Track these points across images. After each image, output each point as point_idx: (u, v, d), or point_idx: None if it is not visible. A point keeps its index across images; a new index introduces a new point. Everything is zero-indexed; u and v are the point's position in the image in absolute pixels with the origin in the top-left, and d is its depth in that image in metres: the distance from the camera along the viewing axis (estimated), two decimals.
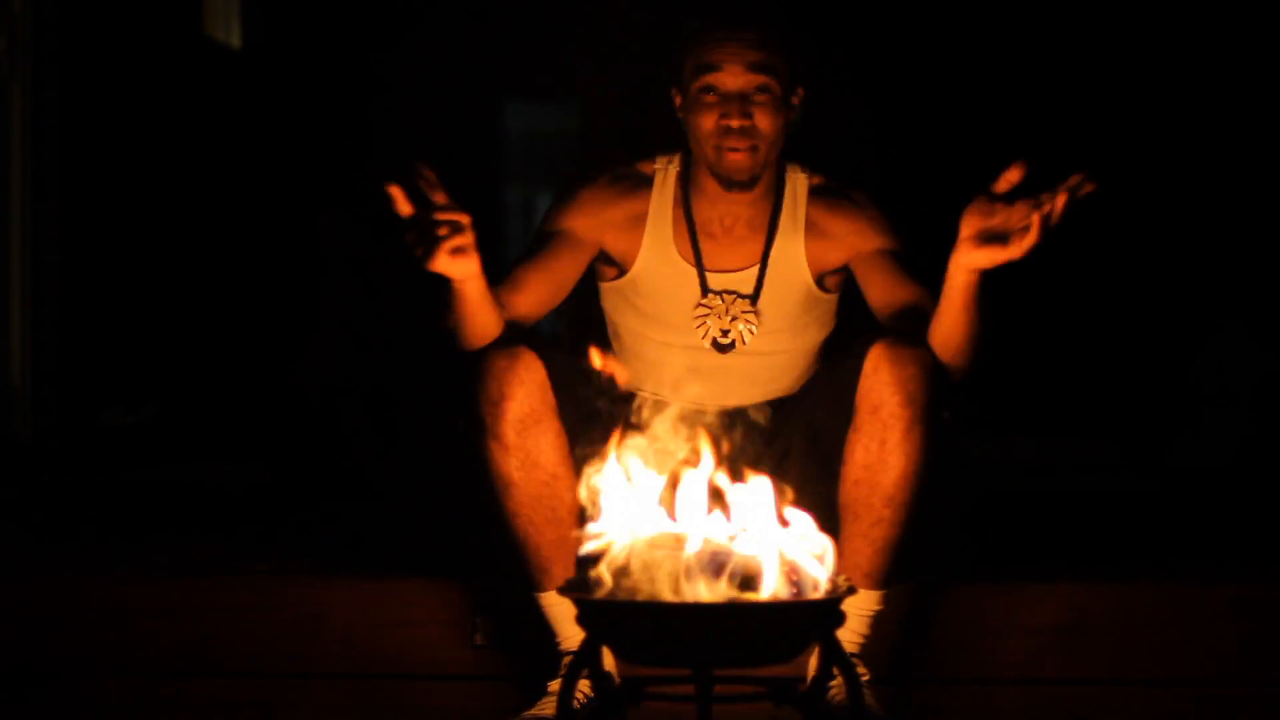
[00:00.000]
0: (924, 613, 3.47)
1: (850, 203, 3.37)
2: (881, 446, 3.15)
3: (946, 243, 3.09)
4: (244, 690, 3.50)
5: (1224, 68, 6.55)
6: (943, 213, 3.25)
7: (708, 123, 3.24)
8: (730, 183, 3.27)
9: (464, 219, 2.99)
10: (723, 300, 3.33)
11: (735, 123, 3.22)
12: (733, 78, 3.23)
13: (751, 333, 3.33)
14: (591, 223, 3.35)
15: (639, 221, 3.36)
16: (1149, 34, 6.74)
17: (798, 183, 3.37)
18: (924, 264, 3.32)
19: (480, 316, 3.17)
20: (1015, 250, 2.98)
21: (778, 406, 3.37)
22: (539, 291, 3.30)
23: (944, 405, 3.18)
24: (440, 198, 2.98)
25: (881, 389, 3.13)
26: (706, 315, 3.33)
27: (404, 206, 2.97)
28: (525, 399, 3.14)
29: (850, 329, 3.40)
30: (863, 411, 3.16)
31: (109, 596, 3.55)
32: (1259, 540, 4.40)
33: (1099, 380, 6.67)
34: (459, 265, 3.03)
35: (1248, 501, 5.21)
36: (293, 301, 7.05)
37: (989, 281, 3.10)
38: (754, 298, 3.34)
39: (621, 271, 3.37)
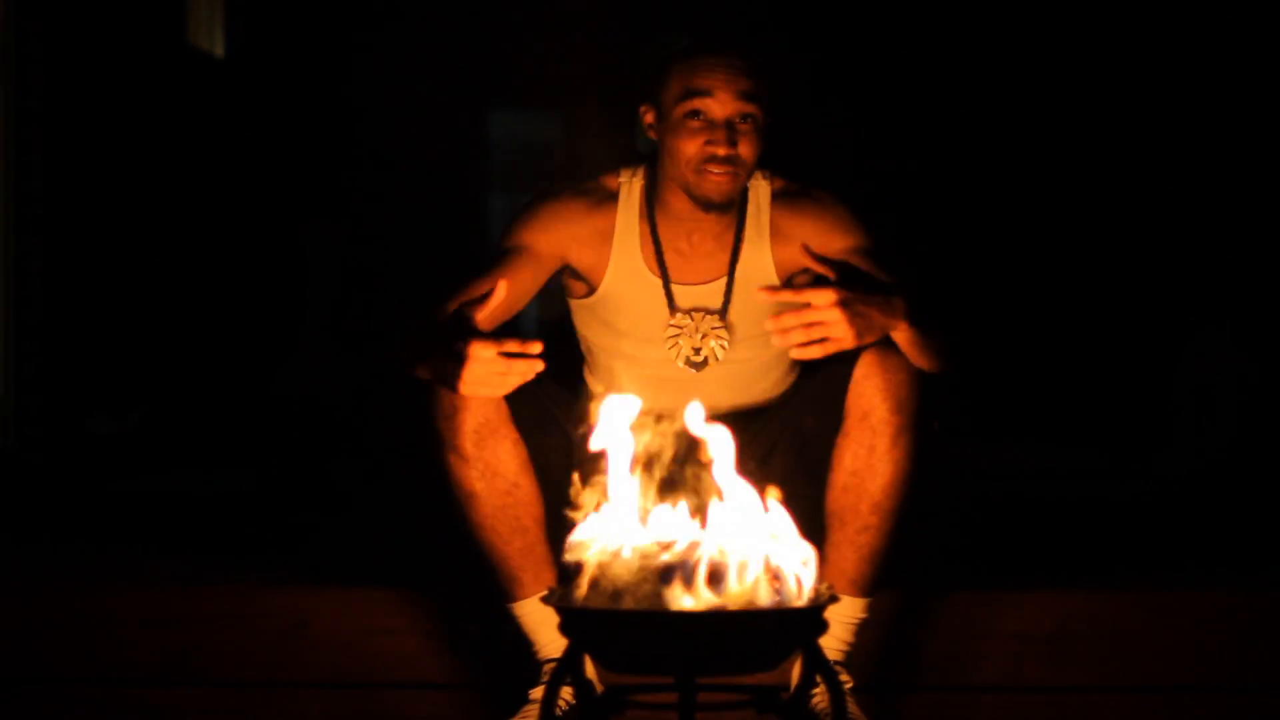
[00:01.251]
0: (908, 620, 3.47)
1: (813, 203, 3.34)
2: (870, 453, 3.15)
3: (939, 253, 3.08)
4: (226, 699, 3.50)
5: (1210, 76, 6.56)
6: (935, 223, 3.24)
7: (691, 147, 3.21)
8: (709, 205, 3.26)
9: (540, 366, 2.95)
10: (692, 319, 3.32)
11: (722, 151, 3.20)
12: (721, 105, 3.20)
13: (724, 348, 3.32)
14: (553, 238, 3.32)
15: (606, 237, 3.33)
16: (1137, 41, 6.75)
17: (760, 189, 3.35)
18: (896, 253, 3.30)
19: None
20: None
21: (758, 411, 3.36)
22: (499, 313, 3.25)
23: (934, 414, 3.18)
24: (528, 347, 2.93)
25: (872, 395, 3.13)
26: (678, 334, 3.32)
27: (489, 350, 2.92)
28: (479, 409, 3.13)
29: None
30: (852, 418, 3.16)
31: (92, 604, 3.54)
32: (1243, 547, 4.40)
33: (1083, 386, 6.69)
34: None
35: (1232, 508, 5.22)
36: (277, 310, 7.05)
37: (933, 311, 3.08)
38: (722, 312, 3.32)
39: (591, 289, 3.35)
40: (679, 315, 3.32)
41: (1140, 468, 5.91)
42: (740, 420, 3.25)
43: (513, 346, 2.91)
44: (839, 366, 3.18)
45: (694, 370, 3.32)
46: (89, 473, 5.82)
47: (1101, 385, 6.64)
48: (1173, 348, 6.12)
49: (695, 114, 3.21)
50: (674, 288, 3.33)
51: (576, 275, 3.37)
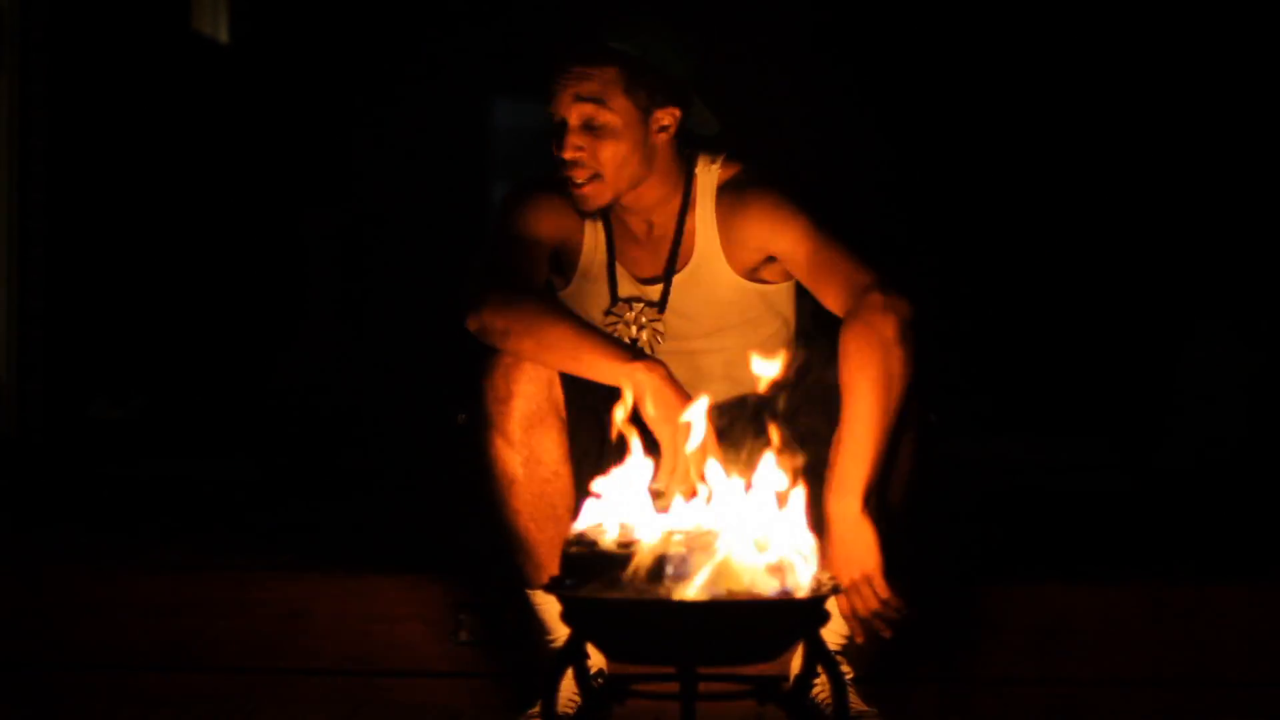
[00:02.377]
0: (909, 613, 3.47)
1: (748, 203, 3.25)
2: None
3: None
4: (226, 685, 3.50)
5: (1211, 70, 6.56)
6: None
7: (555, 157, 3.20)
8: (583, 214, 3.24)
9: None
10: (632, 308, 3.29)
11: (565, 154, 3.16)
12: (562, 108, 3.17)
13: (659, 340, 3.27)
14: (550, 225, 3.30)
15: (578, 231, 3.32)
16: (1138, 35, 6.75)
17: (707, 176, 3.28)
18: (844, 235, 3.22)
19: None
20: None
21: (742, 403, 3.32)
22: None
23: (929, 408, 3.17)
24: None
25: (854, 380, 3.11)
26: (615, 324, 3.29)
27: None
28: (533, 396, 3.13)
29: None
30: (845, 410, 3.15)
31: (93, 590, 3.55)
32: (1244, 540, 4.40)
33: (1085, 379, 6.69)
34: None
35: (1233, 501, 5.21)
36: (279, 297, 7.05)
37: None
38: (660, 305, 3.29)
39: (567, 281, 3.34)
40: (619, 305, 3.29)
41: (1142, 461, 5.91)
42: (737, 408, 3.25)
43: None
44: (829, 363, 3.17)
45: None
46: (90, 459, 5.82)
47: (1103, 378, 6.64)
48: (1175, 340, 6.12)
49: (550, 118, 3.19)
50: (621, 279, 3.30)
51: (558, 267, 3.35)
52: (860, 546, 3.01)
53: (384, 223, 7.66)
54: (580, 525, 2.59)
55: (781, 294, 3.33)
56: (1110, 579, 3.60)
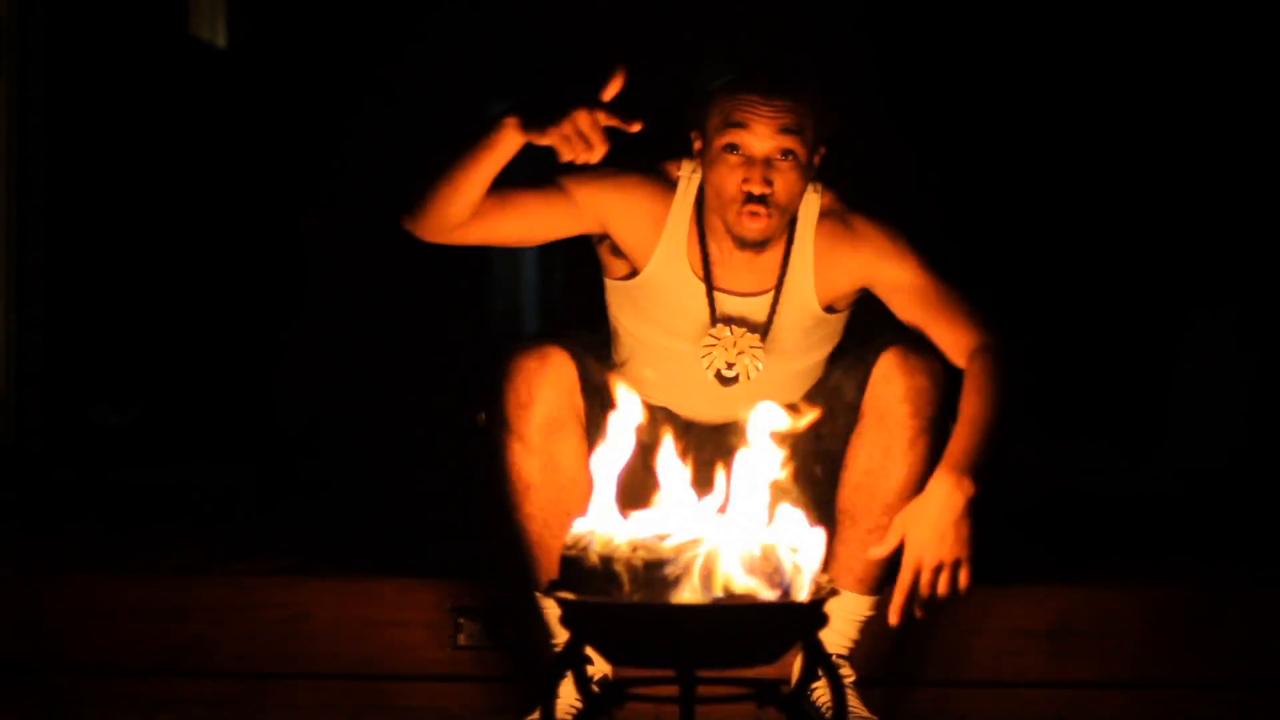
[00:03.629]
0: (908, 615, 3.46)
1: (856, 232, 3.27)
2: (885, 455, 3.15)
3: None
4: (227, 690, 3.50)
5: (1211, 66, 6.56)
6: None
7: (728, 183, 3.15)
8: (743, 244, 3.20)
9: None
10: (732, 333, 3.25)
11: (758, 189, 3.13)
12: (760, 141, 3.14)
13: (758, 369, 3.25)
14: (602, 201, 3.26)
15: (658, 223, 3.27)
16: (1134, 31, 6.75)
17: (810, 205, 3.28)
18: (954, 278, 3.26)
19: (472, 195, 3.13)
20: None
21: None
22: (498, 219, 3.20)
23: (950, 418, 3.16)
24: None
25: (890, 398, 3.13)
26: (714, 346, 3.25)
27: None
28: (554, 402, 3.13)
29: (858, 327, 3.37)
30: (869, 418, 3.16)
31: (93, 595, 3.54)
32: (1244, 542, 4.40)
33: (1088, 380, 6.68)
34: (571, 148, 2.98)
35: (1234, 503, 5.22)
36: (278, 302, 7.05)
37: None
38: (764, 332, 3.27)
39: (633, 271, 3.30)
40: (719, 326, 3.26)
41: (1144, 463, 5.91)
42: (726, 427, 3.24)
43: (611, 121, 2.92)
44: (858, 365, 3.18)
45: (721, 384, 3.26)
46: (89, 465, 5.82)
47: (1104, 379, 6.63)
48: (1175, 341, 6.12)
49: (733, 148, 3.15)
50: (716, 295, 3.27)
51: (618, 252, 3.31)
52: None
53: (383, 227, 7.64)
54: (580, 529, 2.59)
55: (839, 323, 3.34)
56: (1110, 579, 3.60)
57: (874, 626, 3.29)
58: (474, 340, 7.44)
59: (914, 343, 3.16)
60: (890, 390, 3.14)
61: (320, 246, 7.29)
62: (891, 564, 3.18)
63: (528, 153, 3.10)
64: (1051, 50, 6.91)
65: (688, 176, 3.28)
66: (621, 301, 3.33)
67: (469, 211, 3.13)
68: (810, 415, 2.74)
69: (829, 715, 3.11)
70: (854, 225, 3.27)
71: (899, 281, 3.24)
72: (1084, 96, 6.84)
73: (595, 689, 2.71)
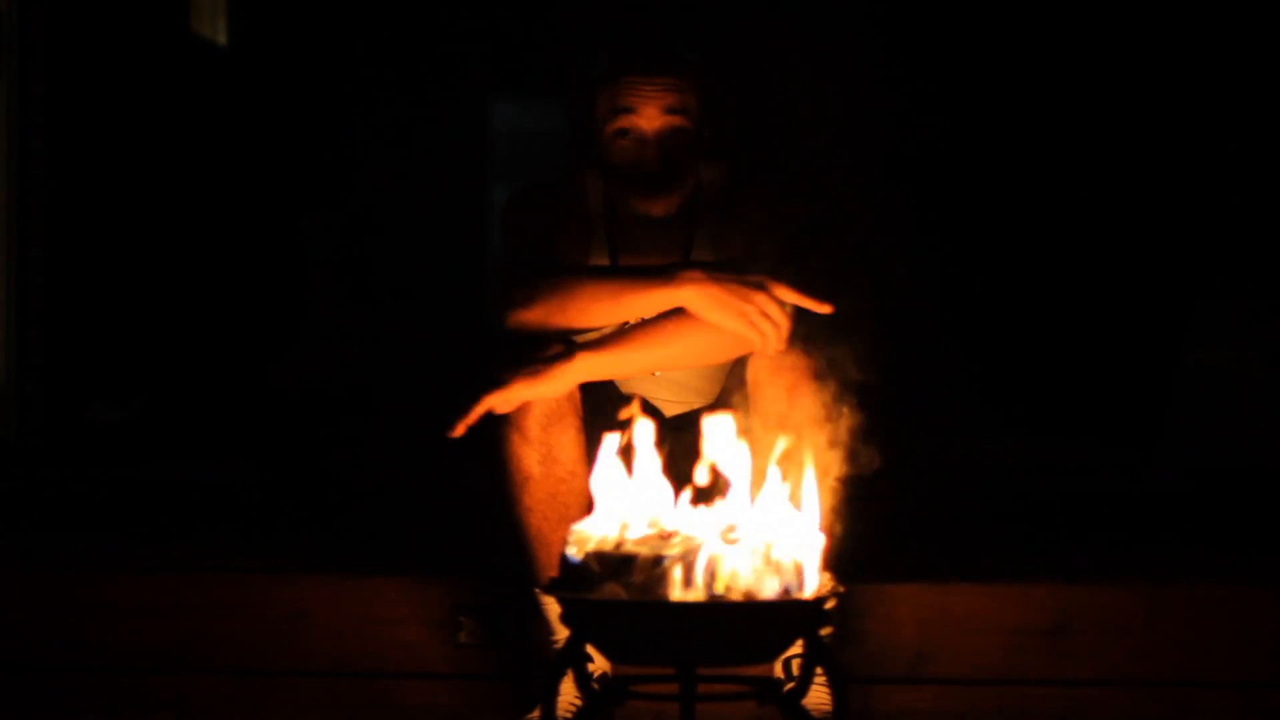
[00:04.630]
0: (907, 612, 3.47)
1: (747, 203, 3.30)
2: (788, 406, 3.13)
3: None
4: (226, 687, 3.50)
5: (1210, 65, 6.56)
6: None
7: (623, 165, 3.23)
8: (649, 221, 3.25)
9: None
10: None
11: (654, 168, 3.20)
12: (648, 121, 3.21)
13: None
14: (542, 231, 3.30)
15: (584, 231, 3.33)
16: (1128, 28, 6.75)
17: (706, 178, 3.34)
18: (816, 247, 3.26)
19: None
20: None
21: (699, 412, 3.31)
22: None
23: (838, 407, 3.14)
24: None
25: (764, 402, 3.12)
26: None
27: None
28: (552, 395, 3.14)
29: None
30: (751, 386, 3.14)
31: (92, 592, 3.55)
32: (1243, 541, 4.40)
33: (1086, 380, 6.69)
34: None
35: (1233, 502, 5.21)
36: (278, 299, 7.05)
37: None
38: None
39: None
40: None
41: (1142, 462, 5.91)
42: (684, 421, 3.25)
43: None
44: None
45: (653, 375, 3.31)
46: (89, 461, 5.82)
47: (1103, 378, 6.64)
48: (1174, 340, 6.12)
49: (624, 132, 3.22)
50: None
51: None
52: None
53: (383, 225, 7.66)
54: (581, 526, 2.60)
55: None
56: (1110, 579, 3.60)
57: (871, 623, 3.30)
58: (474, 338, 7.44)
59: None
60: (763, 397, 3.12)
61: (321, 244, 7.29)
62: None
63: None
64: (1052, 45, 6.91)
65: (594, 181, 3.36)
66: None
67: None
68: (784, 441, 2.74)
69: (829, 713, 3.11)
70: (747, 196, 3.32)
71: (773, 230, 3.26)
72: (1086, 91, 6.84)
73: (595, 687, 2.71)
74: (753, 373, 3.12)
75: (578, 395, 3.16)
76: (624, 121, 3.22)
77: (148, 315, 6.60)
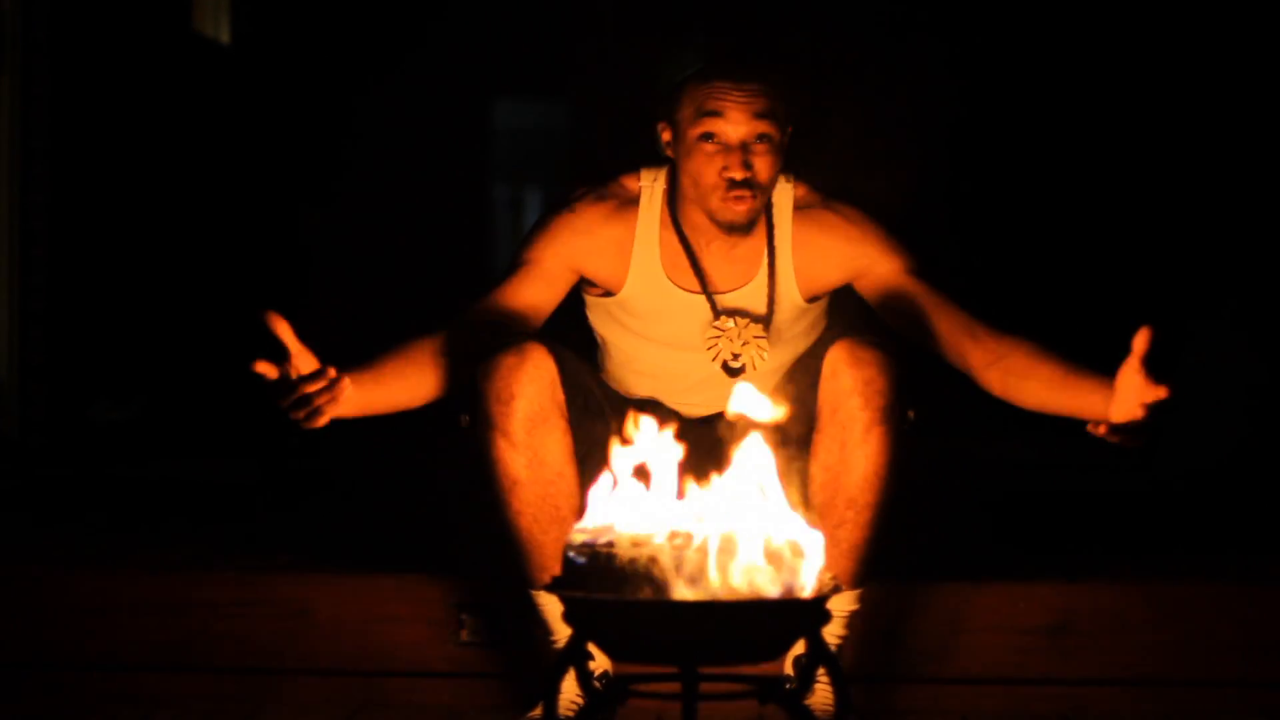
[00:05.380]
0: (910, 612, 3.47)
1: (836, 215, 3.32)
2: (842, 448, 3.14)
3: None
4: (228, 685, 3.50)
5: (1212, 67, 6.56)
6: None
7: (707, 171, 3.19)
8: (730, 228, 3.23)
9: (331, 373, 2.99)
10: (735, 324, 3.28)
11: (739, 175, 3.17)
12: (735, 127, 3.17)
13: (763, 358, 3.28)
14: (565, 252, 3.29)
15: (624, 246, 3.30)
16: (1145, 29, 6.74)
17: (783, 195, 3.32)
18: (929, 261, 3.29)
19: (400, 399, 3.19)
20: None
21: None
22: (506, 321, 3.26)
23: (908, 406, 3.17)
24: (299, 357, 2.99)
25: (839, 392, 3.12)
26: (719, 338, 3.28)
27: (270, 371, 2.96)
28: (535, 397, 3.13)
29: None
30: (823, 414, 3.15)
31: (94, 591, 3.55)
32: (1245, 540, 4.40)
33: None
34: (344, 408, 3.04)
35: (1234, 502, 5.21)
36: (280, 297, 7.04)
37: None
38: (766, 321, 3.30)
39: (607, 292, 3.34)
40: (723, 319, 3.29)
41: (1144, 462, 5.90)
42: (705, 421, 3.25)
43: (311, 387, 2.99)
44: (812, 363, 3.19)
45: (728, 375, 3.28)
46: (92, 460, 5.82)
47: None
48: (1176, 340, 6.11)
49: (709, 136, 3.19)
50: (715, 296, 3.30)
51: (590, 282, 3.35)
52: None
53: (384, 223, 7.65)
54: (583, 525, 2.59)
55: (820, 314, 3.37)
56: (1110, 579, 3.60)
57: (868, 622, 3.30)
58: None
59: (860, 335, 3.16)
60: (839, 384, 3.13)
61: (322, 242, 7.29)
62: (871, 559, 3.18)
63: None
64: (1044, 57, 6.90)
65: (650, 187, 3.33)
66: (603, 317, 3.37)
67: (419, 385, 3.23)
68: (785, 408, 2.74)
69: (831, 713, 3.11)
70: (836, 218, 3.33)
71: (890, 275, 3.27)
72: (1078, 101, 6.84)
73: (597, 685, 2.71)
74: (830, 363, 3.14)
75: (561, 396, 3.16)
76: (710, 125, 3.18)
77: (149, 314, 6.59)
